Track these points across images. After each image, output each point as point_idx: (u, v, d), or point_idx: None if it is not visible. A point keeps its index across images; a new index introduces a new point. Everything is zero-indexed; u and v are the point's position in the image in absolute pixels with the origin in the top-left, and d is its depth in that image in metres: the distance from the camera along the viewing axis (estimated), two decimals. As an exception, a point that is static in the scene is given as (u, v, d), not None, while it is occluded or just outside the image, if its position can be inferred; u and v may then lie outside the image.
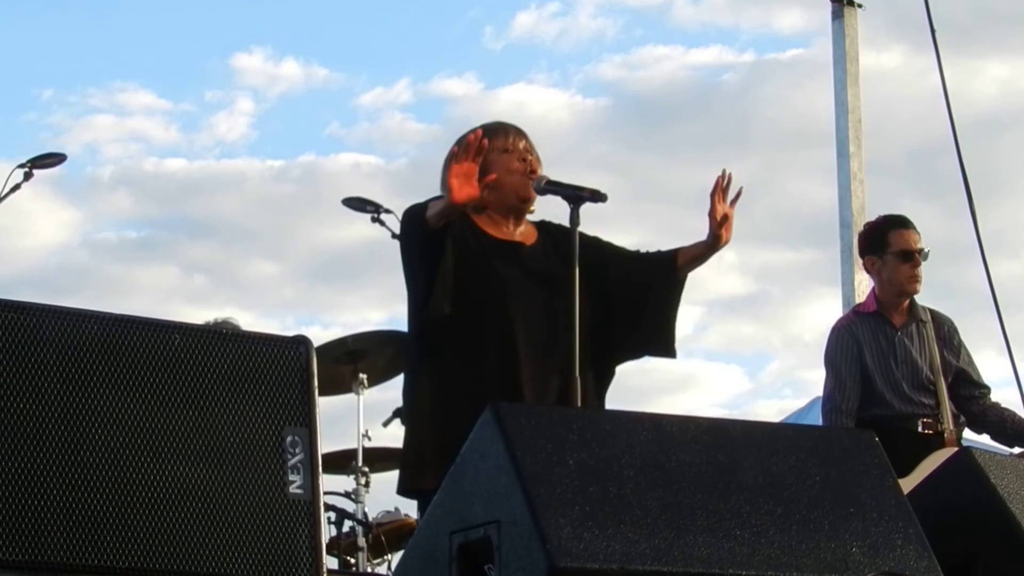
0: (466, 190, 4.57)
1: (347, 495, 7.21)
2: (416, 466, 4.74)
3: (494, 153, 4.88)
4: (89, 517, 3.59)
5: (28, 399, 3.60)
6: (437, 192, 4.94)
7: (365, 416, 7.18)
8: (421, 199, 4.94)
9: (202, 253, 19.75)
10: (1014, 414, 6.32)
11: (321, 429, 3.99)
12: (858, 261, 6.66)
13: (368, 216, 7.89)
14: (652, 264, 5.00)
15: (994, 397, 6.38)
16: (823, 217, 8.03)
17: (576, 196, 4.79)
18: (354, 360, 7.09)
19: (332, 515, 7.10)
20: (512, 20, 21.24)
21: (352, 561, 7.06)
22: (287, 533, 3.83)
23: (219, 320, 7.59)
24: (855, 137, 7.85)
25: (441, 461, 4.25)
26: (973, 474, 4.64)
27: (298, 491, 3.87)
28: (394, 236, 7.61)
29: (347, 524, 7.12)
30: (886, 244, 6.21)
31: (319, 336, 8.46)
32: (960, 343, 6.33)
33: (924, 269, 6.24)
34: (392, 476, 7.25)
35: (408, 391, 4.92)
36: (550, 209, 4.98)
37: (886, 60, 15.11)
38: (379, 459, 7.17)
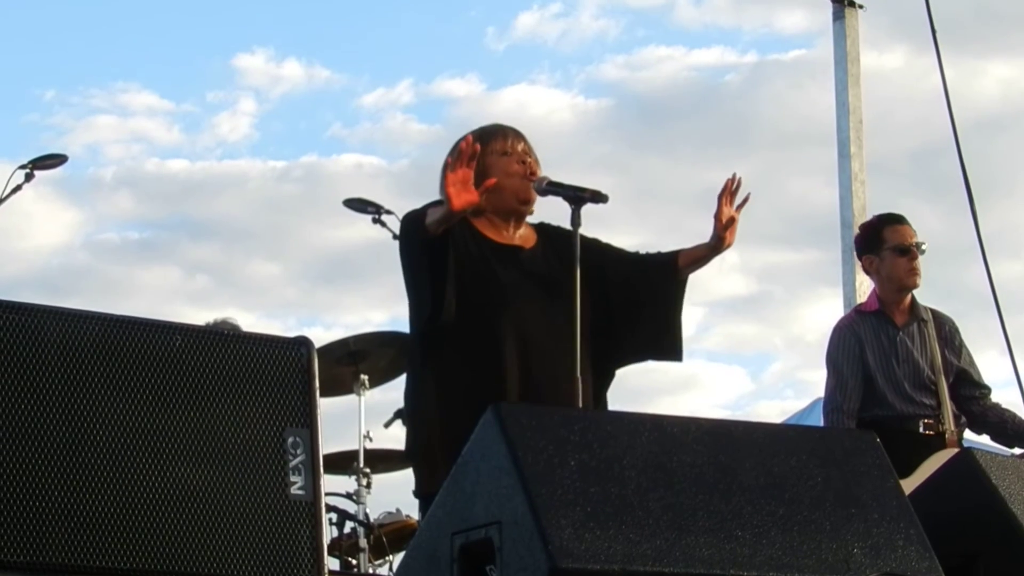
0: (464, 197, 4.57)
1: (348, 496, 7.21)
2: (429, 469, 4.74)
3: (493, 156, 4.87)
4: (90, 518, 3.59)
5: (29, 400, 3.60)
6: (437, 194, 4.96)
7: (366, 417, 7.19)
8: (423, 200, 4.94)
9: (204, 254, 19.77)
10: (1015, 415, 6.32)
11: (322, 430, 3.99)
12: (859, 261, 6.66)
13: (369, 217, 7.89)
14: (652, 266, 5.00)
15: (995, 397, 6.38)
16: (825, 217, 8.04)
17: (577, 197, 4.79)
18: (355, 361, 7.09)
19: (333, 516, 7.10)
20: (514, 21, 21.27)
21: (353, 562, 7.06)
22: (288, 534, 3.83)
23: (219, 320, 7.60)
24: (856, 138, 7.85)
25: (446, 463, 4.28)
26: (974, 475, 4.64)
27: (299, 492, 3.87)
28: (395, 237, 7.60)
29: (348, 525, 7.12)
30: (882, 241, 6.23)
31: (321, 337, 8.48)
32: (961, 343, 6.34)
33: (925, 269, 6.24)
34: (393, 477, 7.29)
35: (410, 393, 4.92)
36: (551, 210, 4.98)
37: (888, 61, 15.13)
38: (380, 460, 7.17)
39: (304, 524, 3.85)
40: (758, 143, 18.27)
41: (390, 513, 7.18)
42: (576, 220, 4.76)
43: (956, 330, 6.35)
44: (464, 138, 4.77)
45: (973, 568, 4.48)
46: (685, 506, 3.70)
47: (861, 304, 6.57)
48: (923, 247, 6.20)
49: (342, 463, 7.09)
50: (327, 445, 4.13)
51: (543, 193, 4.88)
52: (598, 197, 4.80)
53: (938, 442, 6.02)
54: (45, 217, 18.64)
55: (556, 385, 4.69)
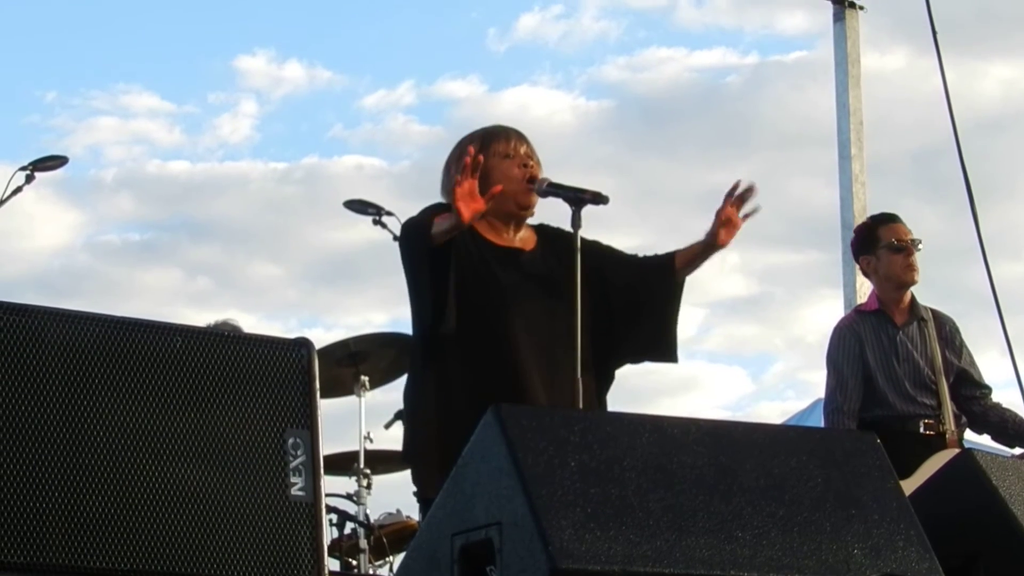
0: (472, 207, 4.58)
1: (349, 497, 7.22)
2: (428, 471, 4.74)
3: (495, 158, 4.87)
4: (90, 519, 3.59)
5: (29, 402, 3.61)
6: (439, 195, 4.96)
7: (367, 418, 7.20)
8: (425, 201, 4.94)
9: (205, 255, 19.78)
10: (1015, 415, 6.32)
11: (323, 431, 3.99)
12: (857, 264, 6.66)
13: (370, 219, 7.90)
14: (650, 268, 5.00)
15: (996, 398, 6.39)
16: (826, 219, 8.04)
17: (578, 198, 4.79)
18: (356, 362, 7.09)
19: (334, 517, 7.10)
20: (515, 22, 21.28)
21: (354, 563, 7.07)
22: (289, 535, 3.83)
23: (220, 322, 7.60)
24: (856, 139, 7.85)
25: (445, 465, 4.28)
26: (974, 476, 4.64)
27: (300, 493, 3.87)
28: (396, 239, 7.61)
29: (349, 526, 7.13)
30: (876, 240, 6.24)
31: (321, 338, 8.47)
32: (962, 343, 6.34)
33: (925, 269, 6.26)
34: (393, 478, 7.30)
35: (410, 394, 4.92)
36: (552, 211, 4.98)
37: (889, 62, 15.13)
38: (381, 461, 7.17)
39: (304, 525, 3.85)
40: (759, 144, 18.28)
41: (390, 514, 7.19)
42: (577, 221, 4.76)
43: (956, 330, 6.35)
44: (465, 146, 4.78)
45: (973, 569, 4.48)
46: (685, 507, 3.70)
47: (861, 304, 6.58)
48: (919, 244, 6.21)
49: (342, 464, 7.10)
50: (327, 446, 4.13)
51: (543, 194, 4.88)
52: (599, 198, 4.80)
53: (938, 442, 6.02)
54: (46, 218, 18.65)
55: (557, 386, 4.69)
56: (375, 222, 7.87)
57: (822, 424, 6.42)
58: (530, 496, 3.54)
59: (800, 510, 3.84)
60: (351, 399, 7.15)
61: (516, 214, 4.94)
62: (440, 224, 4.65)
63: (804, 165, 17.70)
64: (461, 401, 4.64)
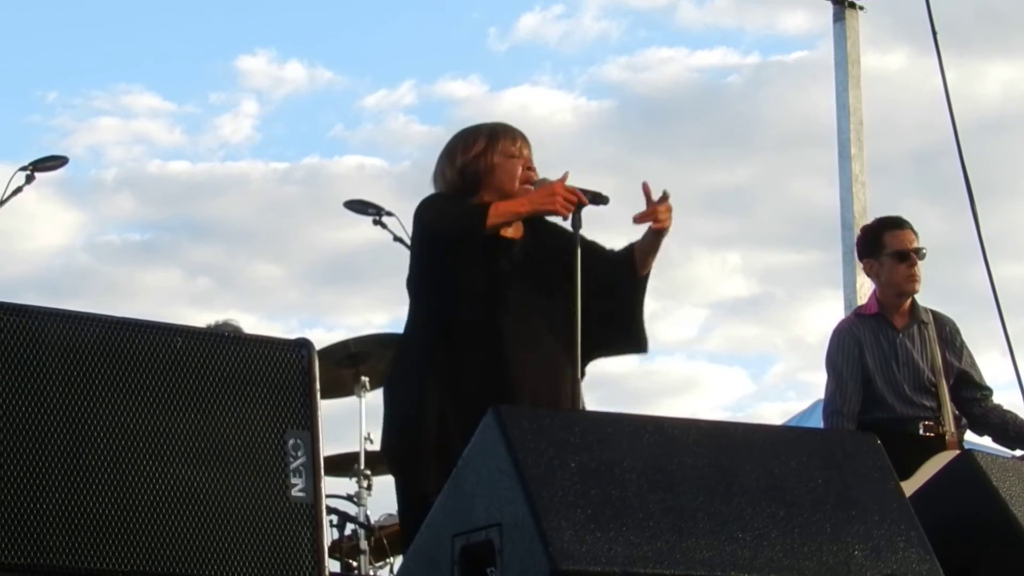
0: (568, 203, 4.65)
1: (349, 498, 7.22)
2: (417, 468, 4.73)
3: (500, 156, 4.89)
4: (91, 520, 3.59)
5: (30, 402, 3.61)
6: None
7: (367, 419, 7.19)
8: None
9: (205, 255, 19.79)
10: (1016, 416, 6.31)
11: (323, 432, 4.00)
12: (860, 263, 6.66)
13: (370, 219, 7.89)
14: (616, 265, 4.99)
15: (997, 399, 6.38)
16: (826, 219, 8.04)
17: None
18: (356, 363, 7.09)
19: (334, 518, 7.10)
20: (516, 22, 21.28)
21: (354, 564, 7.07)
22: (289, 536, 3.83)
23: (220, 322, 7.59)
24: (856, 139, 7.85)
25: (439, 461, 4.34)
26: (975, 477, 4.64)
27: (300, 494, 3.87)
28: (396, 239, 7.62)
29: (349, 527, 7.13)
30: (882, 246, 6.22)
31: (322, 339, 8.48)
32: (962, 344, 6.33)
33: (926, 271, 6.24)
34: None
35: (400, 388, 4.88)
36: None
37: (890, 62, 15.13)
38: (381, 462, 7.16)
39: (305, 526, 3.85)
40: (760, 144, 18.30)
41: (391, 515, 7.18)
42: (577, 222, 4.77)
43: (957, 331, 6.35)
44: (472, 137, 4.88)
45: (974, 570, 4.47)
46: (685, 508, 3.70)
47: (861, 307, 6.57)
48: (923, 252, 6.19)
49: (343, 465, 7.10)
50: (328, 447, 4.14)
51: (543, 196, 4.88)
52: (599, 199, 4.82)
53: (938, 444, 6.02)
54: (47, 219, 18.66)
55: (545, 379, 4.71)
56: (375, 222, 7.86)
57: (822, 426, 6.41)
58: (530, 497, 3.54)
59: (800, 511, 3.84)
60: (351, 400, 7.15)
61: (516, 215, 4.95)
62: (503, 212, 4.67)
63: (805, 165, 17.73)
64: (459, 393, 4.64)
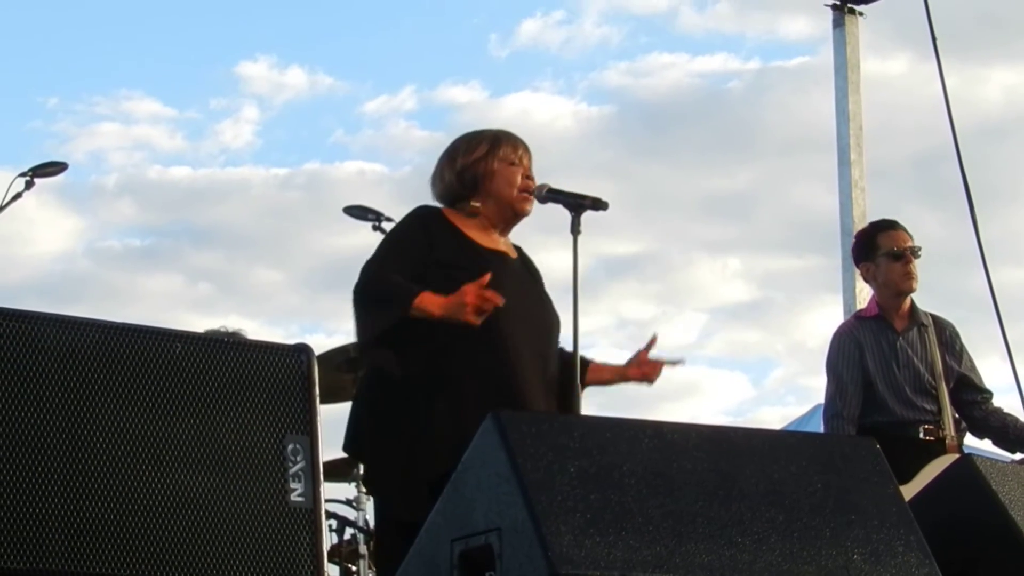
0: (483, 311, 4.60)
1: (348, 503, 7.22)
2: (407, 491, 4.71)
3: (501, 163, 4.90)
4: (90, 525, 3.59)
5: (30, 408, 3.61)
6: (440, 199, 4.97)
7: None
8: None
9: (206, 261, 19.79)
10: (1016, 419, 6.32)
11: (322, 437, 4.00)
12: (857, 270, 6.67)
13: (369, 224, 7.90)
14: (565, 361, 4.91)
15: (996, 403, 6.38)
16: (827, 224, 8.04)
17: (578, 204, 4.81)
18: (355, 368, 7.07)
19: (333, 523, 7.11)
20: (517, 28, 21.26)
21: (353, 569, 7.07)
22: (288, 541, 3.83)
23: (223, 328, 7.58)
24: (856, 144, 7.85)
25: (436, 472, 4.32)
26: (974, 481, 4.64)
27: (299, 499, 3.88)
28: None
29: (348, 531, 7.13)
30: (876, 247, 6.25)
31: (323, 344, 8.47)
32: (962, 348, 6.34)
33: (927, 274, 6.26)
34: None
35: (384, 401, 4.82)
36: (551, 217, 4.99)
37: (891, 67, 15.13)
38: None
39: (304, 531, 3.86)
40: (761, 150, 18.30)
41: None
42: (576, 227, 4.78)
43: (956, 335, 6.35)
44: (475, 142, 4.89)
45: (973, 574, 4.48)
46: (685, 513, 3.70)
47: (861, 310, 6.58)
48: (918, 250, 6.21)
49: (342, 470, 7.09)
50: (327, 452, 4.13)
51: (543, 200, 4.89)
52: (598, 204, 4.82)
53: (938, 448, 6.02)
54: (47, 224, 18.67)
55: (542, 390, 4.72)
56: (375, 228, 7.87)
57: (821, 430, 6.42)
58: (530, 502, 3.54)
59: (800, 515, 3.84)
60: (350, 405, 7.13)
61: (512, 221, 4.96)
62: (426, 305, 4.59)
63: (806, 170, 17.72)
64: (462, 402, 4.63)
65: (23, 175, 8.06)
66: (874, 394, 6.11)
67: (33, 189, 8.07)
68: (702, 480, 3.79)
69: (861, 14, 8.03)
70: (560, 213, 4.85)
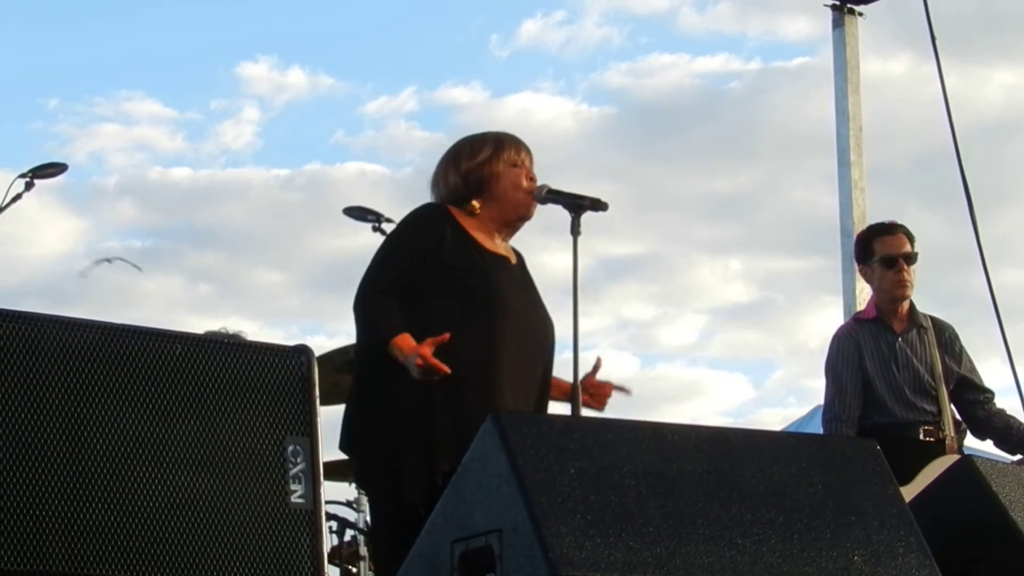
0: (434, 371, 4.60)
1: (349, 504, 7.22)
2: (396, 478, 4.72)
3: (504, 165, 4.91)
4: (90, 527, 3.59)
5: (30, 408, 3.61)
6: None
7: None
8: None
9: (207, 262, 19.78)
10: (1019, 422, 6.32)
11: (323, 438, 4.00)
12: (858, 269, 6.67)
13: (369, 226, 7.90)
14: None
15: (997, 404, 6.38)
16: (828, 225, 8.04)
17: (577, 205, 4.81)
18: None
19: (334, 524, 7.10)
20: (518, 28, 21.23)
21: (354, 570, 7.07)
22: (289, 542, 3.83)
23: (225, 330, 7.57)
24: (856, 145, 7.84)
25: (434, 467, 4.38)
26: (974, 482, 4.64)
27: (300, 500, 3.88)
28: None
29: (349, 533, 7.13)
30: (871, 252, 6.25)
31: (324, 345, 8.46)
32: (961, 349, 6.34)
33: (926, 276, 6.25)
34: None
35: (384, 399, 4.84)
36: (550, 218, 4.99)
37: (892, 68, 15.12)
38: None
39: (304, 532, 3.86)
40: (762, 150, 18.28)
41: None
42: (576, 228, 4.79)
43: (956, 336, 6.35)
44: (478, 144, 4.92)
45: (974, 575, 4.48)
46: (685, 514, 3.70)
47: (860, 312, 6.58)
48: (913, 256, 6.20)
49: (342, 471, 7.08)
50: (327, 453, 4.13)
51: (543, 201, 4.89)
52: (598, 205, 4.83)
53: (938, 449, 6.02)
54: (48, 225, 18.65)
55: (534, 393, 4.74)
56: (375, 229, 7.87)
57: (821, 431, 6.41)
58: (530, 503, 3.54)
59: (800, 516, 3.84)
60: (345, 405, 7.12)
61: (514, 222, 4.96)
62: (399, 348, 4.60)
63: (806, 171, 17.71)
64: (461, 405, 4.63)
65: (23, 176, 8.06)
66: (874, 395, 6.11)
67: (34, 190, 8.07)
68: (702, 481, 3.79)
69: (861, 14, 8.02)
70: (560, 214, 4.86)
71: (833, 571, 3.77)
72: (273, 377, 3.94)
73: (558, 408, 4.90)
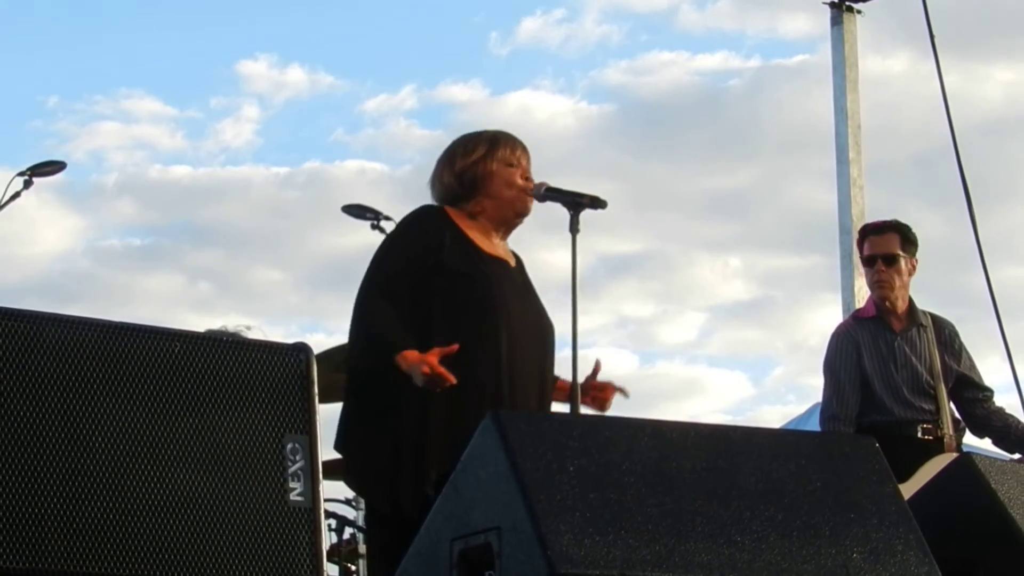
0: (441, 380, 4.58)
1: (347, 502, 7.22)
2: (394, 484, 4.72)
3: (499, 164, 4.90)
4: (89, 525, 3.59)
5: (28, 407, 3.61)
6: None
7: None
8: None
9: (207, 260, 19.81)
10: (1018, 421, 6.32)
11: (321, 436, 4.00)
12: (858, 266, 6.68)
13: (368, 223, 7.90)
14: None
15: (996, 402, 6.38)
16: (827, 222, 8.05)
17: (576, 203, 4.81)
18: (354, 367, 7.07)
19: (332, 522, 7.10)
20: (517, 26, 21.29)
21: (353, 568, 7.07)
22: (288, 540, 3.83)
23: (236, 326, 7.56)
24: (854, 143, 7.85)
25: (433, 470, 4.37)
26: (973, 479, 4.65)
27: (298, 498, 3.88)
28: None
29: (348, 531, 7.13)
30: (862, 251, 6.29)
31: (323, 343, 8.47)
32: (961, 347, 6.33)
33: (926, 274, 6.26)
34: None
35: (383, 404, 4.83)
36: (550, 216, 4.99)
37: (892, 65, 15.14)
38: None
39: (303, 530, 3.86)
40: (762, 148, 18.31)
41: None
42: (575, 226, 4.78)
43: (956, 334, 6.35)
44: (473, 143, 4.89)
45: (972, 572, 4.48)
46: (684, 511, 3.70)
47: (859, 310, 6.58)
48: (893, 258, 6.17)
49: (341, 469, 7.08)
50: (326, 451, 4.13)
51: (542, 199, 4.89)
52: (596, 203, 4.82)
53: (937, 447, 6.02)
54: (48, 223, 18.69)
55: (535, 394, 4.73)
56: (373, 227, 7.88)
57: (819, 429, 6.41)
58: (529, 501, 3.54)
59: (799, 514, 3.84)
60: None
61: (511, 221, 4.95)
62: (405, 363, 4.57)
63: (806, 169, 17.74)
64: (447, 400, 4.62)
65: (22, 174, 8.06)
66: (872, 394, 6.11)
67: (33, 189, 8.07)
68: (701, 479, 3.79)
69: (859, 12, 8.03)
70: (559, 212, 4.86)
71: (832, 568, 3.77)
72: (272, 375, 3.94)
73: (558, 408, 4.90)
